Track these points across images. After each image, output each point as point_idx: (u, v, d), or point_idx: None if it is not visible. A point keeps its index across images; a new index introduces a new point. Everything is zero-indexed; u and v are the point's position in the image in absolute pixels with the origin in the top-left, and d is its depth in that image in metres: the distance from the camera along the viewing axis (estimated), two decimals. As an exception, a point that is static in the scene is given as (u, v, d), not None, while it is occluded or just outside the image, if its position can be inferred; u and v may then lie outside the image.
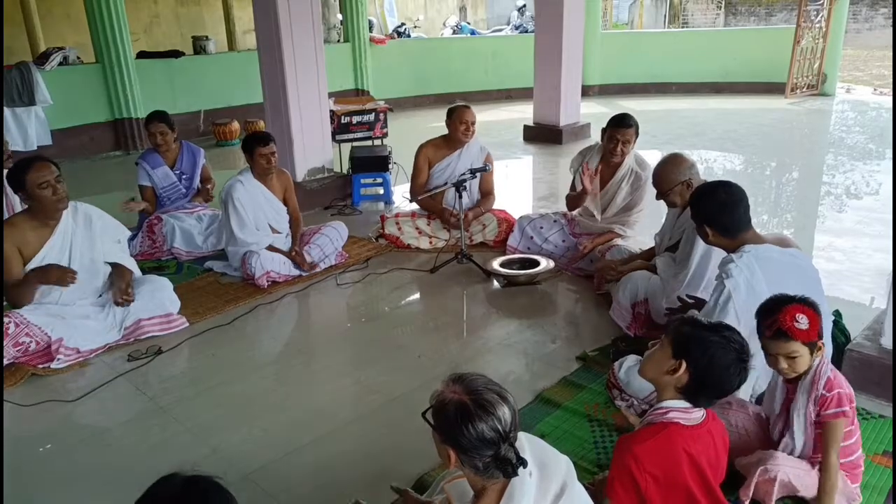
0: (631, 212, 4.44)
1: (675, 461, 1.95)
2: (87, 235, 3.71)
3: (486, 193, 5.21)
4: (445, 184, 5.06)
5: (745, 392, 2.66)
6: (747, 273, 2.60)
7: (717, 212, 2.75)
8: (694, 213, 2.85)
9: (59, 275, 3.50)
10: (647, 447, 1.95)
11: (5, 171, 4.33)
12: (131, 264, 3.94)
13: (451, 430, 1.61)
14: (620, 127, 4.29)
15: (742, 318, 2.59)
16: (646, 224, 4.45)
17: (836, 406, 2.22)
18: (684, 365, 2.00)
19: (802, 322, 2.15)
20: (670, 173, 3.46)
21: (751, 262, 2.62)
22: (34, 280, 3.52)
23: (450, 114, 5.08)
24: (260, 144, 4.50)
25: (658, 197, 3.55)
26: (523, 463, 1.62)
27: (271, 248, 4.58)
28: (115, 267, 3.86)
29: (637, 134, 4.37)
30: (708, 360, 1.97)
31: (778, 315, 2.17)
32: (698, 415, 2.03)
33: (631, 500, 1.94)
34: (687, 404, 2.02)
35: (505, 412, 1.62)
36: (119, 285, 3.76)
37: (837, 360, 2.99)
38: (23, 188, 3.45)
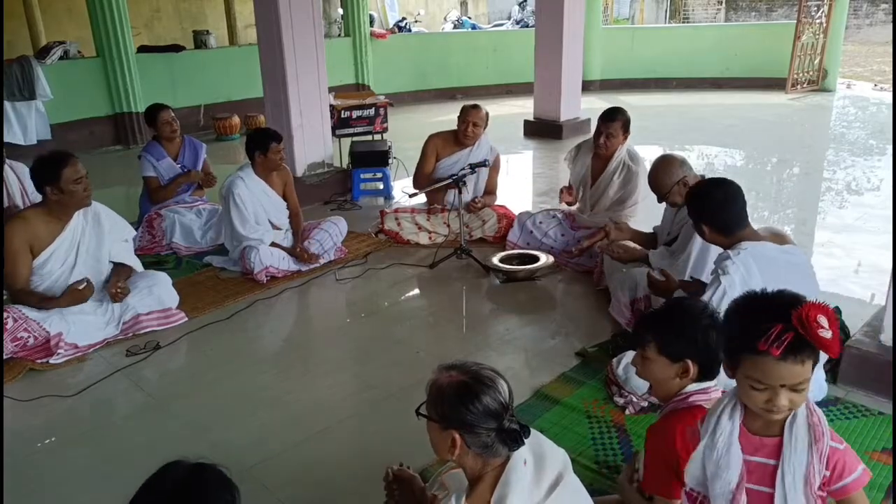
0: (624, 205, 4.45)
1: None
2: (96, 233, 3.73)
3: (489, 192, 5.18)
4: (449, 178, 5.06)
5: None
6: (743, 270, 2.59)
7: (713, 210, 2.74)
8: (690, 211, 2.85)
9: (79, 295, 3.57)
10: (681, 428, 1.92)
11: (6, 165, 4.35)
12: (136, 264, 3.96)
13: (456, 411, 1.64)
14: (605, 121, 4.39)
15: None
16: (640, 218, 4.45)
17: (854, 465, 1.67)
18: (690, 363, 2.00)
19: (826, 328, 1.53)
20: (664, 177, 3.46)
21: (747, 259, 2.61)
22: (62, 304, 3.56)
23: (460, 112, 5.04)
24: (275, 141, 4.52)
25: (659, 200, 3.57)
26: (526, 431, 1.67)
27: (273, 245, 4.58)
28: (117, 265, 3.87)
29: (626, 128, 4.40)
30: (703, 345, 1.98)
31: (793, 318, 1.53)
32: (717, 395, 2.01)
33: (672, 483, 1.91)
34: (703, 384, 2.01)
35: (503, 385, 1.69)
36: (115, 279, 3.77)
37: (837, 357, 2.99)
38: (55, 182, 3.43)
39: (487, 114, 5.05)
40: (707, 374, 2.01)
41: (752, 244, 2.67)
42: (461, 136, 5.00)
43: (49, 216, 3.57)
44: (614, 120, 4.36)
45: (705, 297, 2.67)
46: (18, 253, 3.48)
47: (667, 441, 1.91)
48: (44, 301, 3.56)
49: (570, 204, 4.72)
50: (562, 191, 4.71)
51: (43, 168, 3.46)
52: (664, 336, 2.03)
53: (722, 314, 2.52)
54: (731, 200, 2.73)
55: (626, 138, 4.43)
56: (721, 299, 2.58)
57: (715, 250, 3.24)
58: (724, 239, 2.74)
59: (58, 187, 3.45)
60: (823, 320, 1.51)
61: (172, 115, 5.22)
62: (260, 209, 4.56)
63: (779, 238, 2.83)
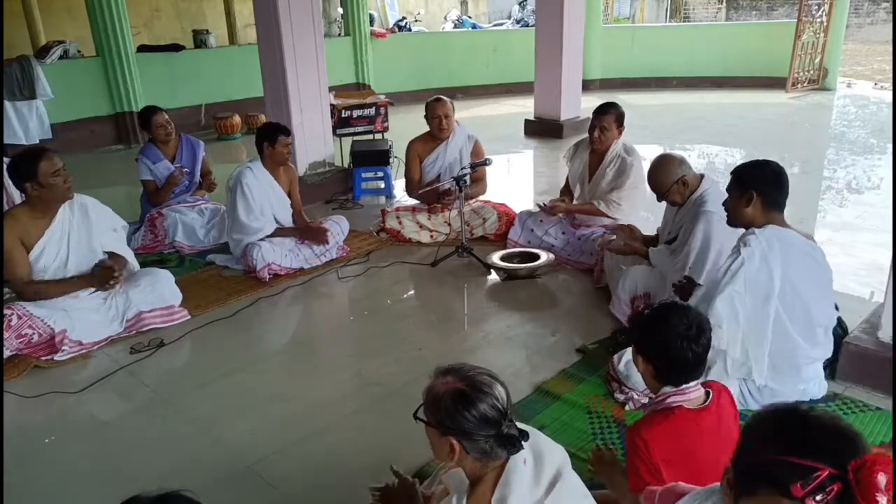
0: (613, 192, 4.45)
1: (686, 445, 1.96)
2: (85, 225, 3.73)
3: (477, 180, 5.21)
4: (439, 177, 5.13)
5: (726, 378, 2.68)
6: (765, 245, 2.67)
7: (769, 181, 2.79)
8: (744, 179, 2.83)
9: (106, 276, 3.63)
10: (656, 432, 1.96)
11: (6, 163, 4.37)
12: (128, 254, 3.97)
13: (453, 419, 1.63)
14: (599, 114, 4.44)
15: (750, 288, 2.66)
16: (637, 204, 4.48)
17: None
18: (640, 359, 2.07)
19: (882, 490, 1.13)
20: (663, 176, 3.48)
21: (771, 237, 2.68)
22: (82, 284, 3.60)
23: (426, 110, 5.14)
24: (283, 133, 4.58)
25: (659, 199, 3.58)
26: (525, 436, 1.66)
27: (279, 231, 4.63)
28: (112, 256, 3.87)
29: (620, 122, 4.44)
30: (657, 345, 2.03)
31: (849, 469, 1.14)
32: (697, 394, 2.03)
33: (658, 483, 1.93)
34: (682, 386, 2.03)
35: (500, 390, 1.67)
36: (109, 265, 3.76)
37: (835, 354, 3.02)
38: (34, 178, 3.45)
39: (452, 103, 5.15)
40: (665, 378, 2.04)
41: (779, 228, 2.74)
42: (436, 132, 5.13)
43: (35, 212, 3.58)
44: (607, 113, 4.41)
45: (722, 267, 2.74)
46: (13, 249, 3.50)
47: (645, 444, 1.95)
48: (60, 285, 3.61)
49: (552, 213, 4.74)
50: (544, 205, 4.73)
51: (19, 165, 3.48)
52: (638, 334, 2.12)
53: (735, 284, 2.58)
54: (785, 179, 2.81)
55: (620, 133, 4.47)
56: (738, 270, 2.66)
57: (715, 249, 3.28)
58: (761, 216, 2.78)
59: (37, 182, 3.46)
60: (883, 480, 1.13)
61: (166, 117, 5.17)
62: (266, 202, 4.60)
63: (807, 237, 2.87)
